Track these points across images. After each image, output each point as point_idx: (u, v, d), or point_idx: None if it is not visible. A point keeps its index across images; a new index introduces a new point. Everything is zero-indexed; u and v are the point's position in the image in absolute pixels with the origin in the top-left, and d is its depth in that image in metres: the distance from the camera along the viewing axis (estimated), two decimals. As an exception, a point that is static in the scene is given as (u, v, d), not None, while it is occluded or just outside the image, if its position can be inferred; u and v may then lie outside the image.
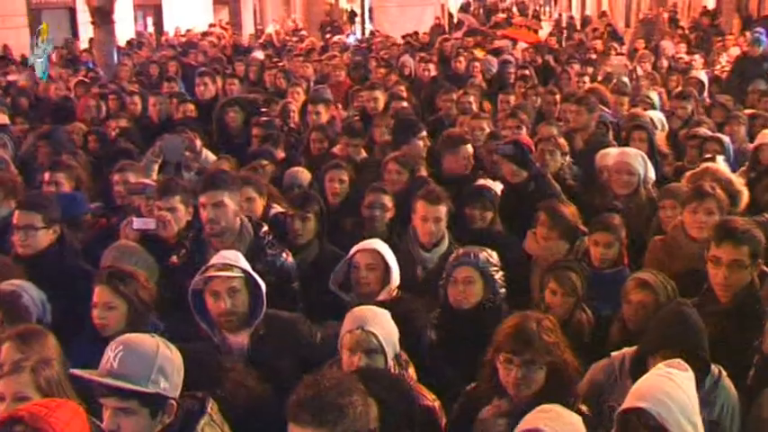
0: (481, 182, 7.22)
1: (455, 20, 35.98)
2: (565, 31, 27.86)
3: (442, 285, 5.41)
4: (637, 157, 7.51)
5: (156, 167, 7.95)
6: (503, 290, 5.40)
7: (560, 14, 43.19)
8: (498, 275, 5.38)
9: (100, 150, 9.60)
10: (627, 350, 4.60)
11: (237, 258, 5.04)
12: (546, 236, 6.40)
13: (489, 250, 5.46)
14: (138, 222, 6.23)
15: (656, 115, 10.34)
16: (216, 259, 5.03)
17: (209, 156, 8.85)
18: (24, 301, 5.22)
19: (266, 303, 4.94)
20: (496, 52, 17.60)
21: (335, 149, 9.04)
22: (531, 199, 7.01)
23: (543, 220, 6.43)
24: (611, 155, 7.95)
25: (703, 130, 9.13)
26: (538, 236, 6.48)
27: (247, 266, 5.01)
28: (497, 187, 7.17)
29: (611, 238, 6.07)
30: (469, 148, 8.03)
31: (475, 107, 10.97)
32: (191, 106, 11.16)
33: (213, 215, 5.75)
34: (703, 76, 14.02)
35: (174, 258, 5.93)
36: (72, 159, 8.25)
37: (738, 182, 7.11)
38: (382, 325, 4.53)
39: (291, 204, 6.63)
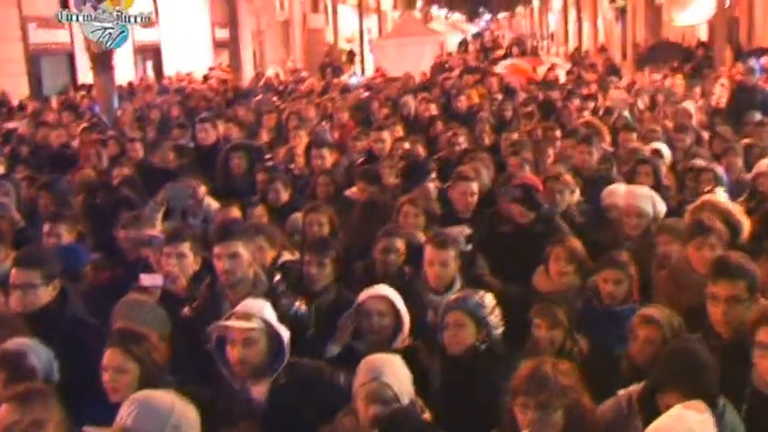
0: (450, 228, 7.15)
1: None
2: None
3: (438, 331, 5.39)
4: (646, 199, 7.48)
5: (159, 216, 7.82)
6: (498, 331, 5.36)
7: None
8: (492, 317, 5.34)
9: (103, 200, 9.46)
10: (633, 388, 4.55)
11: (262, 308, 5.00)
12: (562, 271, 6.36)
13: (482, 293, 5.45)
14: (146, 279, 6.16)
15: (661, 146, 10.28)
16: (239, 307, 5.01)
17: (211, 203, 8.80)
18: (30, 361, 5.02)
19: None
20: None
21: (349, 192, 8.99)
22: (540, 240, 6.95)
23: (558, 254, 6.40)
24: (619, 194, 7.94)
25: (698, 162, 9.16)
26: (552, 272, 6.44)
27: (271, 316, 4.96)
28: (465, 231, 7.12)
29: (620, 275, 6.02)
30: (472, 185, 8.00)
31: (487, 140, 11.10)
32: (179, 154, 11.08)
33: (229, 266, 5.72)
34: (691, 106, 14.02)
35: (187, 310, 5.85)
36: (72, 210, 8.20)
37: (738, 212, 7.06)
38: (397, 375, 4.52)
39: (308, 250, 6.53)
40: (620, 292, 6.02)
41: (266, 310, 5.00)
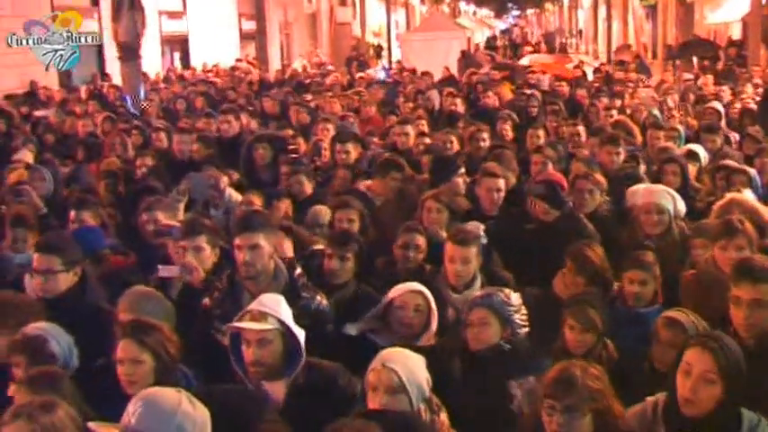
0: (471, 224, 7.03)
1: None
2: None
3: (461, 328, 5.34)
4: (664, 195, 7.34)
5: (181, 206, 7.84)
6: (523, 330, 5.30)
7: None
8: (517, 316, 5.28)
9: (126, 189, 9.51)
10: (660, 396, 4.41)
11: (277, 305, 4.91)
12: (572, 282, 6.19)
13: (507, 290, 5.40)
14: (162, 270, 6.13)
15: (697, 148, 10.08)
16: (254, 305, 4.90)
17: (232, 194, 8.78)
18: (50, 347, 5.07)
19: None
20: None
21: (362, 185, 8.90)
22: (563, 238, 6.83)
23: (569, 266, 6.25)
24: (639, 192, 7.78)
25: (730, 162, 8.96)
26: (566, 280, 6.31)
27: (287, 314, 4.87)
28: (480, 227, 6.94)
29: (645, 275, 5.93)
30: (498, 181, 7.88)
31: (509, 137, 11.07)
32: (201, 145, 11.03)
33: (249, 258, 5.59)
34: (720, 106, 13.83)
35: (207, 301, 5.75)
36: (97, 198, 8.22)
37: (766, 212, 6.96)
38: (405, 363, 4.47)
39: (330, 243, 6.47)
40: (646, 292, 5.93)
41: (282, 307, 4.91)
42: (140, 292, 5.78)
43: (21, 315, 5.38)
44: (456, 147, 10.70)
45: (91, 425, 3.86)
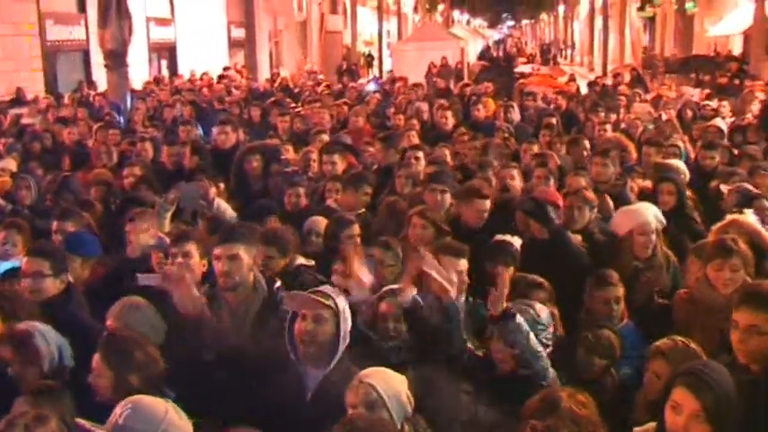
0: (500, 237, 6.99)
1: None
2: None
3: (486, 341, 5.27)
4: (649, 213, 7.25)
5: (168, 216, 7.65)
6: (548, 349, 5.22)
7: None
8: (544, 334, 5.24)
9: (111, 199, 9.38)
10: (650, 426, 4.33)
11: (338, 294, 5.06)
12: (583, 357, 5.82)
13: (539, 306, 5.35)
14: (142, 279, 5.97)
15: (678, 163, 10.02)
16: (320, 287, 5.11)
17: (221, 205, 8.63)
18: (36, 343, 5.18)
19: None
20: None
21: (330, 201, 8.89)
22: (550, 255, 6.86)
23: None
24: (627, 214, 7.53)
25: (747, 187, 8.70)
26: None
27: (344, 305, 4.98)
28: (517, 242, 6.93)
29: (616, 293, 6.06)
30: (486, 203, 7.79)
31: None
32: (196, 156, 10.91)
33: (227, 268, 5.60)
34: (722, 124, 13.72)
35: None
36: (81, 208, 8.11)
37: (766, 234, 6.91)
38: (383, 378, 4.46)
39: (315, 256, 6.54)
40: (618, 311, 6.04)
41: (341, 298, 5.03)
42: (129, 303, 5.69)
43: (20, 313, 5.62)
44: (450, 161, 10.62)
45: (79, 421, 3.96)
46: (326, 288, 5.12)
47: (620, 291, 6.07)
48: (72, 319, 5.83)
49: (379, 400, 4.35)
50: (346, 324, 4.94)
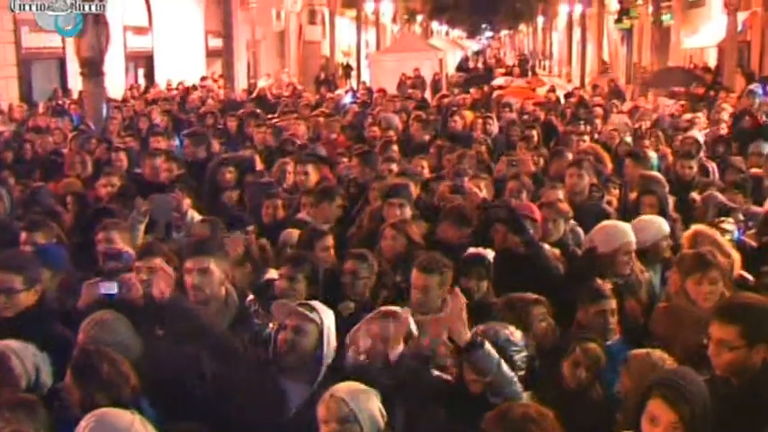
0: (473, 250, 6.93)
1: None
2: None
3: (459, 363, 5.17)
4: (629, 232, 7.16)
5: (141, 227, 7.70)
6: (522, 372, 5.13)
7: None
8: (518, 356, 5.13)
9: (82, 211, 9.21)
10: None
11: (324, 308, 5.12)
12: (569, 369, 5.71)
13: (512, 328, 5.26)
14: (103, 286, 5.93)
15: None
16: (307, 301, 5.22)
17: (195, 216, 8.56)
18: (11, 364, 5.00)
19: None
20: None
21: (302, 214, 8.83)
22: (522, 265, 6.91)
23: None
24: (612, 233, 7.34)
25: (720, 198, 8.82)
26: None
27: (330, 320, 5.05)
28: (490, 255, 6.86)
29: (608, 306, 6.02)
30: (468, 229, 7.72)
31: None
32: (173, 166, 10.76)
33: (198, 281, 5.58)
34: (699, 135, 13.77)
35: (160, 331, 5.60)
36: (51, 219, 7.97)
37: (729, 246, 6.92)
38: (354, 393, 4.46)
39: (282, 264, 6.52)
40: (614, 323, 6.02)
41: (327, 313, 5.11)
42: (101, 318, 5.54)
43: None
44: (427, 173, 10.65)
45: None
46: (315, 303, 5.16)
47: (614, 303, 6.03)
48: (48, 332, 5.66)
49: (351, 414, 4.35)
50: (330, 339, 4.98)
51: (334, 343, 5.00)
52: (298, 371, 4.93)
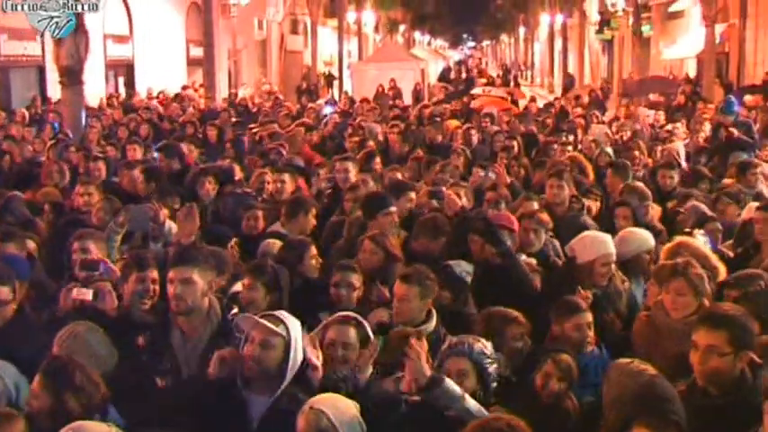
0: (451, 262, 6.97)
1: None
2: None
3: None
4: (609, 243, 7.17)
5: (118, 238, 7.64)
6: (494, 384, 5.13)
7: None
8: (492, 368, 5.12)
9: (57, 220, 9.21)
10: None
11: (293, 322, 5.02)
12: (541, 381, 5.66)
13: (484, 340, 5.23)
14: (77, 293, 5.98)
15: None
16: (275, 312, 5.10)
17: (173, 227, 8.48)
18: None
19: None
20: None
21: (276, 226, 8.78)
22: (499, 277, 6.91)
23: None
24: (592, 243, 7.33)
25: (701, 207, 8.89)
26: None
27: (297, 333, 4.96)
28: (468, 267, 6.92)
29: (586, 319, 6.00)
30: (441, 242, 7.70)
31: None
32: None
33: (180, 291, 5.52)
34: (681, 146, 13.82)
35: (141, 340, 5.59)
36: (25, 229, 7.97)
37: (714, 257, 6.94)
38: (334, 405, 4.45)
39: (244, 273, 6.55)
40: (591, 336, 5.99)
41: (295, 326, 5.01)
42: (75, 330, 5.52)
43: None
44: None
45: None
46: (281, 313, 5.06)
47: (590, 316, 6.01)
48: (31, 344, 5.61)
49: (330, 426, 4.31)
50: (297, 353, 4.89)
51: (301, 356, 4.94)
52: (260, 383, 4.89)
